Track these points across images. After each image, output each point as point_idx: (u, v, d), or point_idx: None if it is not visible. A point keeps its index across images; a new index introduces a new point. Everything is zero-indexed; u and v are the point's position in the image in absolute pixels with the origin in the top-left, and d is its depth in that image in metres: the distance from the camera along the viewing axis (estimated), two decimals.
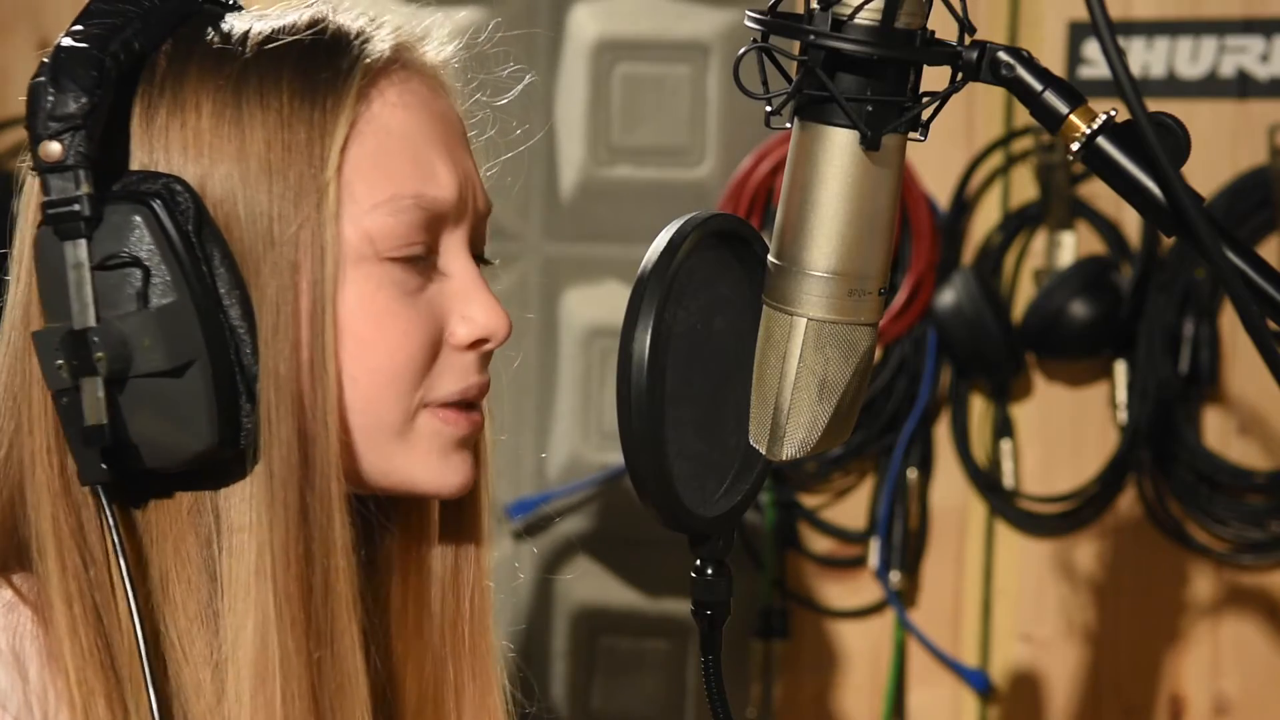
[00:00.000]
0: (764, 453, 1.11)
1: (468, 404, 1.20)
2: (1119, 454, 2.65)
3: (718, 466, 1.19)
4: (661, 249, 1.14)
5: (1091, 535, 2.69)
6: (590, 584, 2.83)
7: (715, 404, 1.18)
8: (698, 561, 1.19)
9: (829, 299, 1.07)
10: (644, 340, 1.12)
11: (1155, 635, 2.65)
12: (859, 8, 1.03)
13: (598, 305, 2.83)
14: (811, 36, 1.03)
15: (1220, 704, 2.63)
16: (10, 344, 1.17)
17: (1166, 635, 2.65)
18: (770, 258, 1.09)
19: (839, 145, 1.05)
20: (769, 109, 1.06)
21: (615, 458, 2.72)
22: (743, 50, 1.05)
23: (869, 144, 1.04)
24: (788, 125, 1.07)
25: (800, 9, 1.06)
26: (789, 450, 1.10)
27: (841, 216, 1.06)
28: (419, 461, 1.18)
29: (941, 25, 1.06)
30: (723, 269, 1.18)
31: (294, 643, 1.13)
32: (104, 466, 1.10)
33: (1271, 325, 1.00)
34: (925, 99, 1.06)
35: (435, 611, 1.27)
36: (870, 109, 1.04)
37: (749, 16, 1.06)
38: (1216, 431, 2.63)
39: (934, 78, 1.07)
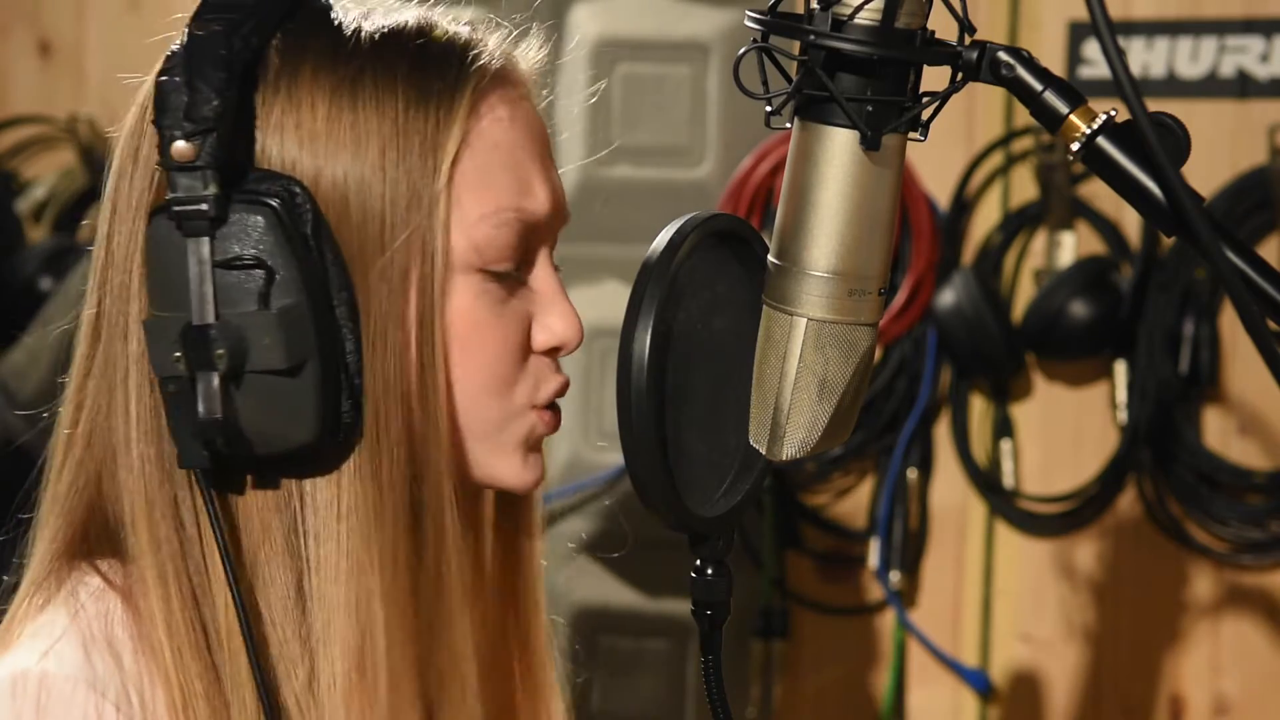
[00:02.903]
0: (764, 453, 1.11)
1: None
2: (1119, 454, 2.64)
3: (718, 466, 1.20)
4: (661, 249, 1.14)
5: (1091, 535, 2.69)
6: (590, 584, 2.82)
7: (715, 404, 1.18)
8: (698, 561, 1.19)
9: (829, 299, 1.07)
10: (644, 340, 1.12)
11: (1155, 635, 2.65)
12: (859, 8, 1.03)
13: (598, 305, 2.82)
14: (811, 36, 1.03)
15: (1220, 704, 2.63)
16: (107, 324, 1.19)
17: (1166, 635, 2.65)
18: (770, 258, 1.09)
19: (839, 145, 1.05)
20: (769, 109, 1.06)
21: (615, 458, 2.72)
22: (743, 50, 1.06)
23: (869, 144, 1.04)
24: (788, 125, 1.07)
25: (800, 9, 1.06)
26: (789, 450, 1.10)
27: (841, 216, 1.06)
28: (505, 459, 1.23)
29: (941, 25, 1.06)
30: (723, 269, 1.18)
31: (401, 629, 1.16)
32: (205, 454, 1.12)
33: (1271, 325, 1.00)
34: (925, 99, 1.06)
35: (491, 590, 1.30)
36: (870, 109, 1.04)
37: (749, 16, 1.06)
38: (1216, 431, 2.63)
39: (934, 78, 1.07)
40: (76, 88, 3.10)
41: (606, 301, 2.81)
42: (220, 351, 1.11)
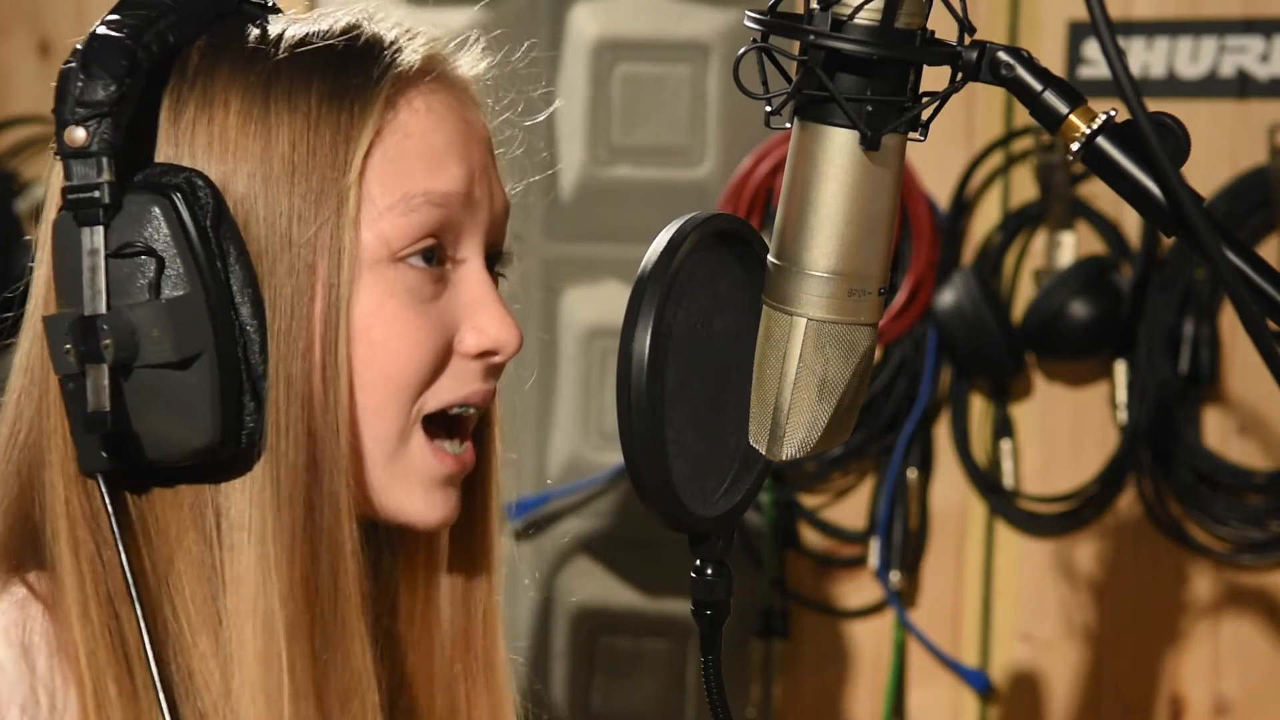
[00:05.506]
0: (764, 453, 1.11)
1: (462, 436, 1.21)
2: (1119, 454, 2.64)
3: (718, 466, 1.19)
4: (661, 249, 1.14)
5: (1091, 535, 2.69)
6: (590, 584, 2.83)
7: (715, 404, 1.18)
8: (698, 561, 1.19)
9: (829, 299, 1.07)
10: (644, 340, 1.12)
11: (1155, 635, 2.65)
12: (859, 8, 1.03)
13: (598, 305, 2.83)
14: (811, 36, 1.03)
15: (1220, 704, 2.63)
16: (33, 328, 1.17)
17: (1166, 635, 2.65)
18: (770, 258, 1.09)
19: (839, 145, 1.05)
20: (769, 109, 1.06)
21: (615, 458, 2.72)
22: (743, 50, 1.05)
23: (869, 144, 1.04)
24: (788, 125, 1.07)
25: (800, 9, 1.06)
26: (789, 450, 1.10)
27: (841, 216, 1.06)
28: (405, 494, 1.19)
29: (941, 25, 1.06)
30: (723, 269, 1.18)
31: (300, 643, 1.13)
32: (104, 455, 1.10)
33: (1271, 325, 1.00)
34: (925, 99, 1.06)
35: (445, 629, 1.27)
36: (870, 109, 1.04)
37: (749, 16, 1.06)
38: (1216, 431, 2.63)
39: (934, 78, 1.07)
40: None
41: (606, 301, 2.81)
42: (107, 342, 1.08)
